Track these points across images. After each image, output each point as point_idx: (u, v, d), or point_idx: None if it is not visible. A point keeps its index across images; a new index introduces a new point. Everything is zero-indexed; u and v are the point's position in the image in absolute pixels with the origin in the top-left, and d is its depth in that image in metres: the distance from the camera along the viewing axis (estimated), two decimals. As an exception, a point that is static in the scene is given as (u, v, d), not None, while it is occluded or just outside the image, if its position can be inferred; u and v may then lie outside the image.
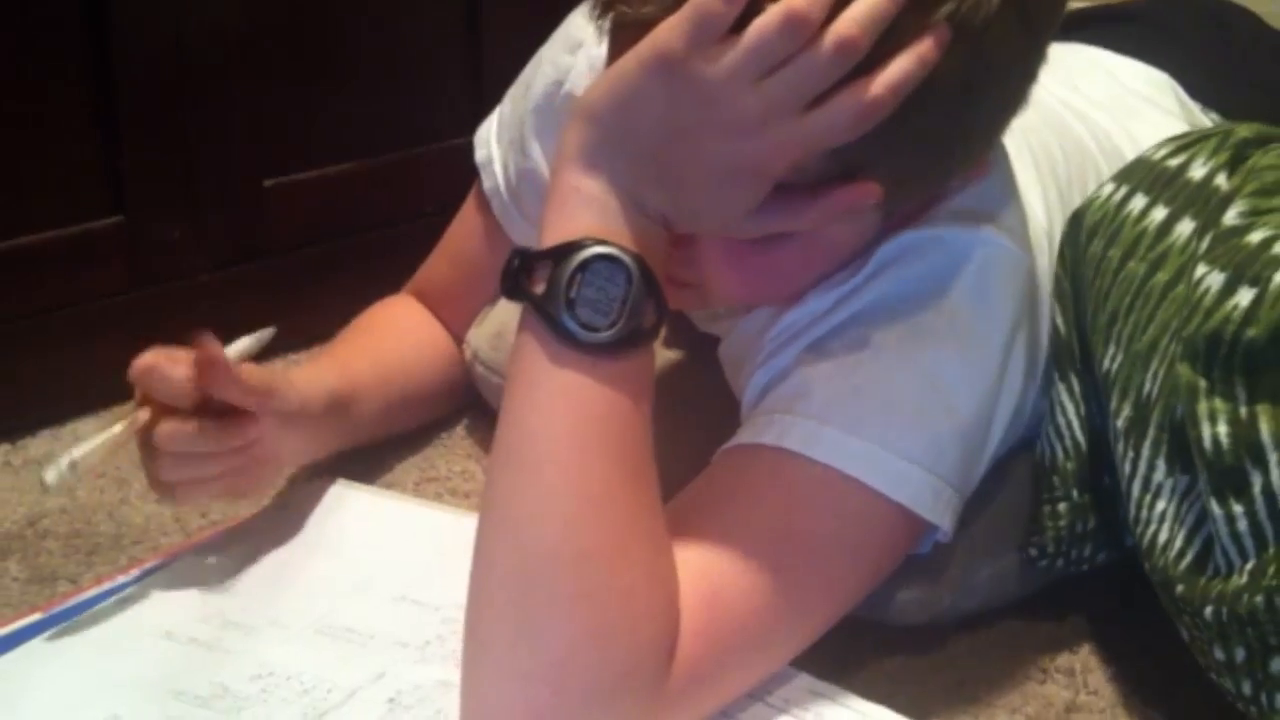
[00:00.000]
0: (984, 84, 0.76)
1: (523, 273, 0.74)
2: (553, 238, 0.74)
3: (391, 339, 1.13)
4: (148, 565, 0.95)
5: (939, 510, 0.82)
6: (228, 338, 0.91)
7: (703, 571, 0.77)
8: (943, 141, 0.78)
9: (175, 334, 0.86)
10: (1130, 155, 0.96)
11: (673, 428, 0.88)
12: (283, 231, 1.29)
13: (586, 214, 0.74)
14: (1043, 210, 0.95)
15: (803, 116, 0.71)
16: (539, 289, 0.73)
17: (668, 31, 0.71)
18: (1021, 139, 0.96)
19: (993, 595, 0.93)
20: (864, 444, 0.80)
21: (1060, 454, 0.91)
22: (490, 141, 1.11)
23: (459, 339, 1.16)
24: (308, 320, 1.18)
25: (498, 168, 1.09)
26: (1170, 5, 1.40)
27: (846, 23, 0.69)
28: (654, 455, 0.77)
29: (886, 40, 0.71)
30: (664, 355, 1.24)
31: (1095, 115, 1.10)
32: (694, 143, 0.73)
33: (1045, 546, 0.91)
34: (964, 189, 0.86)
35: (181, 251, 1.20)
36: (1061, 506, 0.90)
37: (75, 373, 1.18)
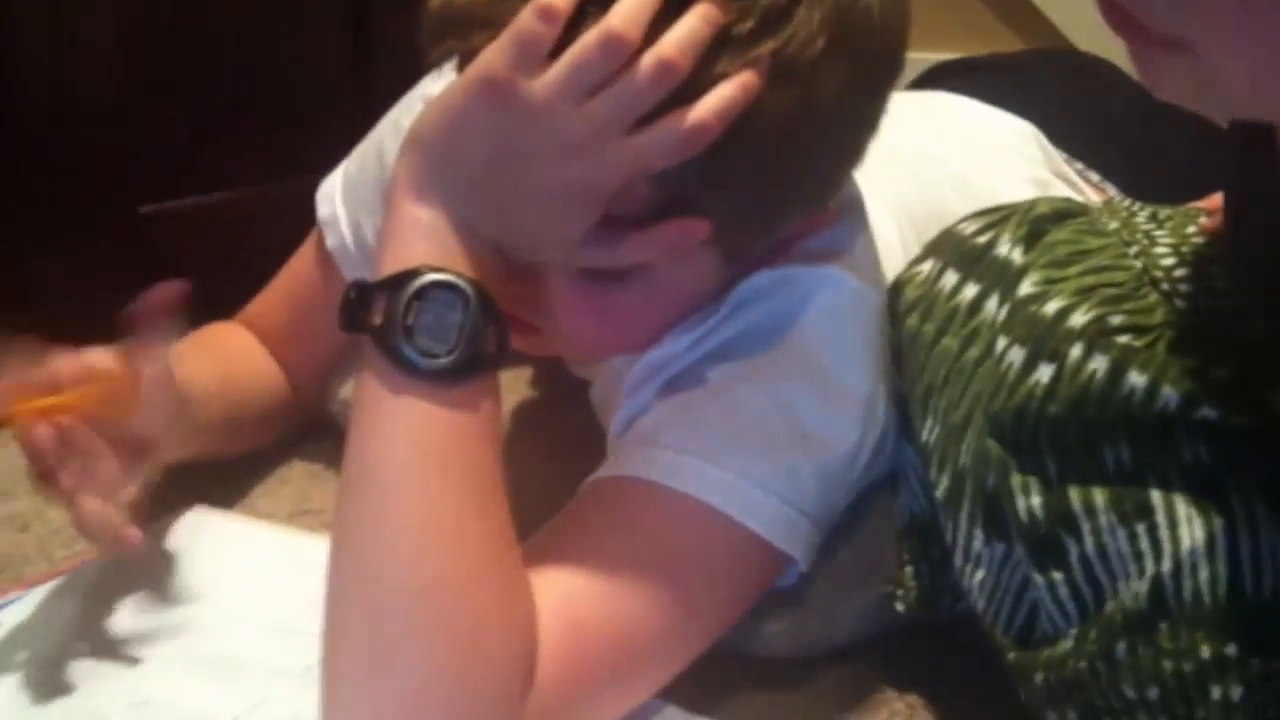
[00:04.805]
0: (813, 127, 0.78)
1: (360, 305, 0.74)
2: (389, 268, 0.74)
3: (230, 356, 1.09)
4: (10, 595, 0.93)
5: (793, 541, 0.84)
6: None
7: (565, 599, 0.77)
8: (772, 183, 0.79)
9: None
10: (988, 200, 0.98)
11: (552, 470, 0.89)
12: (163, 260, 1.27)
13: (421, 242, 0.74)
14: (900, 249, 0.98)
15: (628, 138, 0.73)
16: (377, 320, 0.74)
17: (491, 55, 0.72)
18: (874, 181, 0.99)
19: (861, 627, 0.93)
20: (721, 473, 0.81)
21: (917, 514, 0.91)
22: (335, 199, 1.08)
23: (295, 381, 1.14)
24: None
25: (344, 226, 1.07)
26: (1035, 58, 1.45)
27: (666, 45, 0.71)
28: (506, 481, 0.76)
29: (709, 69, 0.72)
30: (539, 398, 1.25)
31: (953, 160, 1.12)
32: (521, 166, 0.73)
33: (909, 604, 0.91)
34: (814, 235, 0.87)
35: (62, 281, 1.18)
36: (923, 566, 0.91)
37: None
